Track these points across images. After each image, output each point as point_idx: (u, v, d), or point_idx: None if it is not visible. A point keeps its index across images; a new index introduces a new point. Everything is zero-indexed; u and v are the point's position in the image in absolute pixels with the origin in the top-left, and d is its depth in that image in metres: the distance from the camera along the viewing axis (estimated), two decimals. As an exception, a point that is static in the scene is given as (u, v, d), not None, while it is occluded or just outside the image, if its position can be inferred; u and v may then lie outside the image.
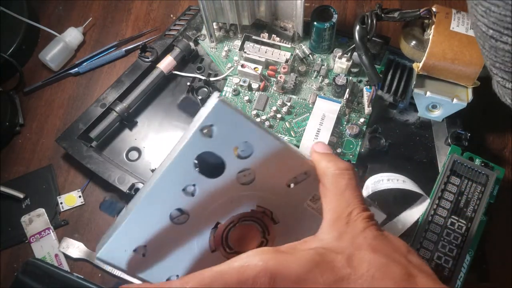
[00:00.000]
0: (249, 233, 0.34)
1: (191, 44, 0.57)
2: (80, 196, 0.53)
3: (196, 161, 0.32)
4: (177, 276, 0.33)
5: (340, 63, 0.53)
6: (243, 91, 0.55)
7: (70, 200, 0.53)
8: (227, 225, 0.34)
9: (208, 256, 0.33)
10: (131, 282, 0.47)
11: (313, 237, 0.34)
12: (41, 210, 0.52)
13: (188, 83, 0.56)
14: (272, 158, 0.33)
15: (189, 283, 0.29)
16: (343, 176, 0.34)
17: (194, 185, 0.33)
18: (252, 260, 0.30)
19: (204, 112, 0.31)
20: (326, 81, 0.54)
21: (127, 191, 0.49)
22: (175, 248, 0.33)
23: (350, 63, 0.53)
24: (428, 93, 0.48)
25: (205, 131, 0.31)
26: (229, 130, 0.32)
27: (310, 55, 0.56)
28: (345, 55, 0.53)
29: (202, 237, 0.33)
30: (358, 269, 0.30)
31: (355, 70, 0.54)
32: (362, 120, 0.53)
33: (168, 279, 0.32)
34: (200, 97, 0.56)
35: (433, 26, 0.47)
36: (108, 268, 0.48)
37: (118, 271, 0.48)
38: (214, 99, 0.31)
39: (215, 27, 0.57)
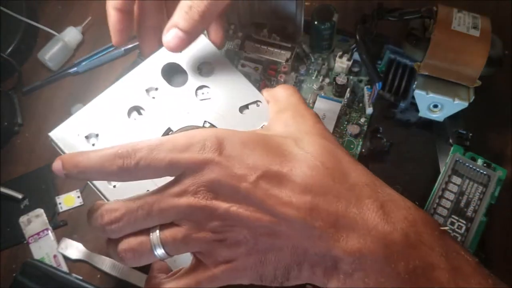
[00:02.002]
0: None
1: (191, 43, 0.57)
2: (79, 197, 0.53)
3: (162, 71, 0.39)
4: None
5: (340, 62, 0.53)
6: (243, 90, 0.55)
7: (69, 200, 0.52)
8: (176, 132, 0.38)
9: None
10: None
11: (259, 129, 0.38)
12: (40, 211, 0.52)
13: (188, 83, 0.56)
14: (229, 84, 0.40)
15: (139, 145, 0.31)
16: (292, 92, 0.40)
17: (156, 89, 0.39)
18: (201, 130, 0.34)
19: None
20: (327, 80, 0.54)
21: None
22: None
23: (350, 62, 0.53)
24: (430, 93, 0.48)
25: None
26: (197, 49, 0.39)
27: (310, 55, 0.55)
28: (345, 55, 0.52)
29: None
30: (307, 148, 0.33)
31: (355, 69, 0.54)
32: (363, 120, 0.52)
33: None
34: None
35: (434, 26, 0.46)
36: (106, 268, 0.48)
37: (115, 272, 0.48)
38: None
39: (215, 26, 0.57)
